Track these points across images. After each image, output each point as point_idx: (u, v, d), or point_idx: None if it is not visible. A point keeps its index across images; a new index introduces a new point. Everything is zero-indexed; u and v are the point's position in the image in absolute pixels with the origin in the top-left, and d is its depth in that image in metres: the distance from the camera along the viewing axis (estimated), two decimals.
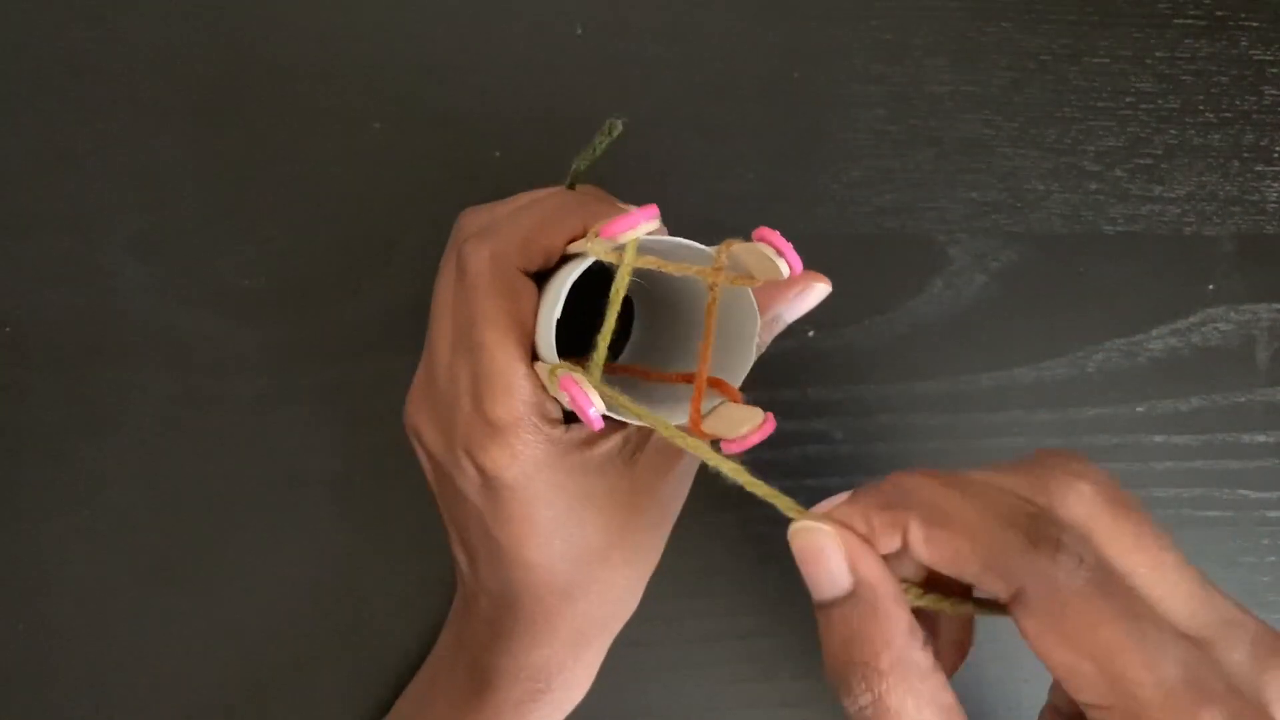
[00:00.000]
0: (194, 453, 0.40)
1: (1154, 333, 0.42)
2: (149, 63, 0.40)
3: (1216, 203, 0.43)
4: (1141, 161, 0.43)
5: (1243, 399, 0.42)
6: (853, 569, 0.25)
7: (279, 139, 0.40)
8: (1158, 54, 0.43)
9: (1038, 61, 0.43)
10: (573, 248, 0.30)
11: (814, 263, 0.40)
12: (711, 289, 0.28)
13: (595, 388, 0.27)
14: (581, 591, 0.33)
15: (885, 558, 0.26)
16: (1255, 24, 0.43)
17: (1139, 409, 0.42)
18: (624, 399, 0.27)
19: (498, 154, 0.41)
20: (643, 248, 0.28)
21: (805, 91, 0.42)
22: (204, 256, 0.40)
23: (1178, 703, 0.23)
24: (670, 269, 0.28)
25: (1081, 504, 0.25)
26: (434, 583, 0.40)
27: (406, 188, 0.40)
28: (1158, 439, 0.42)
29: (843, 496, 0.27)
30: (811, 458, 0.41)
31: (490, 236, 0.31)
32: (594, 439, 0.32)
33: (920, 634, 0.25)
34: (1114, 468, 0.41)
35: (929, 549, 0.25)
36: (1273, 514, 0.42)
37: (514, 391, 0.30)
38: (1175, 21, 0.43)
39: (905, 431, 0.41)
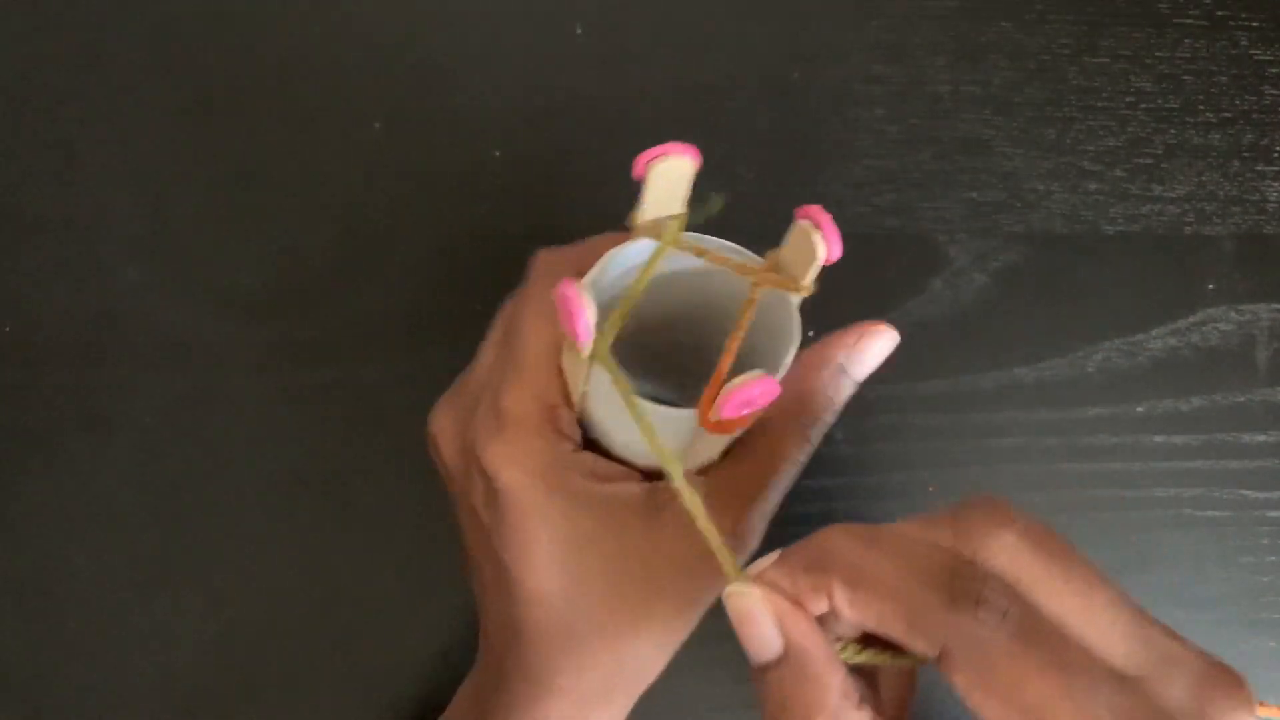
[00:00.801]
0: (194, 453, 0.40)
1: (1154, 333, 0.42)
2: (149, 63, 0.40)
3: (1216, 202, 0.43)
4: (1141, 161, 0.43)
5: (1243, 399, 0.42)
6: (783, 633, 0.25)
7: (279, 139, 0.40)
8: (1158, 54, 0.43)
9: (1038, 61, 0.43)
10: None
11: None
12: (754, 287, 0.27)
13: (603, 358, 0.26)
14: (581, 645, 0.29)
15: (822, 616, 0.25)
16: (1255, 24, 0.43)
17: (1139, 409, 0.42)
18: (619, 373, 0.26)
19: (498, 154, 0.41)
20: (687, 242, 0.27)
21: (805, 91, 0.42)
22: (204, 256, 0.40)
23: None
24: (710, 257, 0.27)
25: (1005, 553, 0.25)
26: (434, 583, 0.40)
27: (406, 188, 0.40)
28: (1158, 439, 0.42)
29: (773, 556, 0.26)
30: (811, 458, 0.41)
31: (554, 250, 0.32)
32: (608, 474, 0.30)
33: (854, 695, 0.25)
34: (1114, 468, 0.41)
35: (853, 611, 0.25)
36: (1273, 514, 0.42)
37: (530, 384, 0.29)
38: (1175, 21, 0.43)
39: (905, 431, 0.41)
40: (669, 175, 0.27)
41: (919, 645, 0.24)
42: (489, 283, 0.40)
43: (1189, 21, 0.43)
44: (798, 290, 0.27)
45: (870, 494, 0.41)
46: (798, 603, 0.25)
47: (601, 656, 0.29)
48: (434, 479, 0.39)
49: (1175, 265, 0.43)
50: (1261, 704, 0.25)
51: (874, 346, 0.30)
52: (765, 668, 0.25)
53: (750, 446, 0.30)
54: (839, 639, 0.26)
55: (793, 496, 0.40)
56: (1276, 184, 0.43)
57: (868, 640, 0.26)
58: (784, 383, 0.28)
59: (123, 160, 0.40)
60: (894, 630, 0.24)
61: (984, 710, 0.23)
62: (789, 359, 0.27)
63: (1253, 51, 0.43)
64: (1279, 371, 0.43)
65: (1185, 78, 0.43)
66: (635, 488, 0.30)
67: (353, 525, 0.40)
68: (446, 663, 0.40)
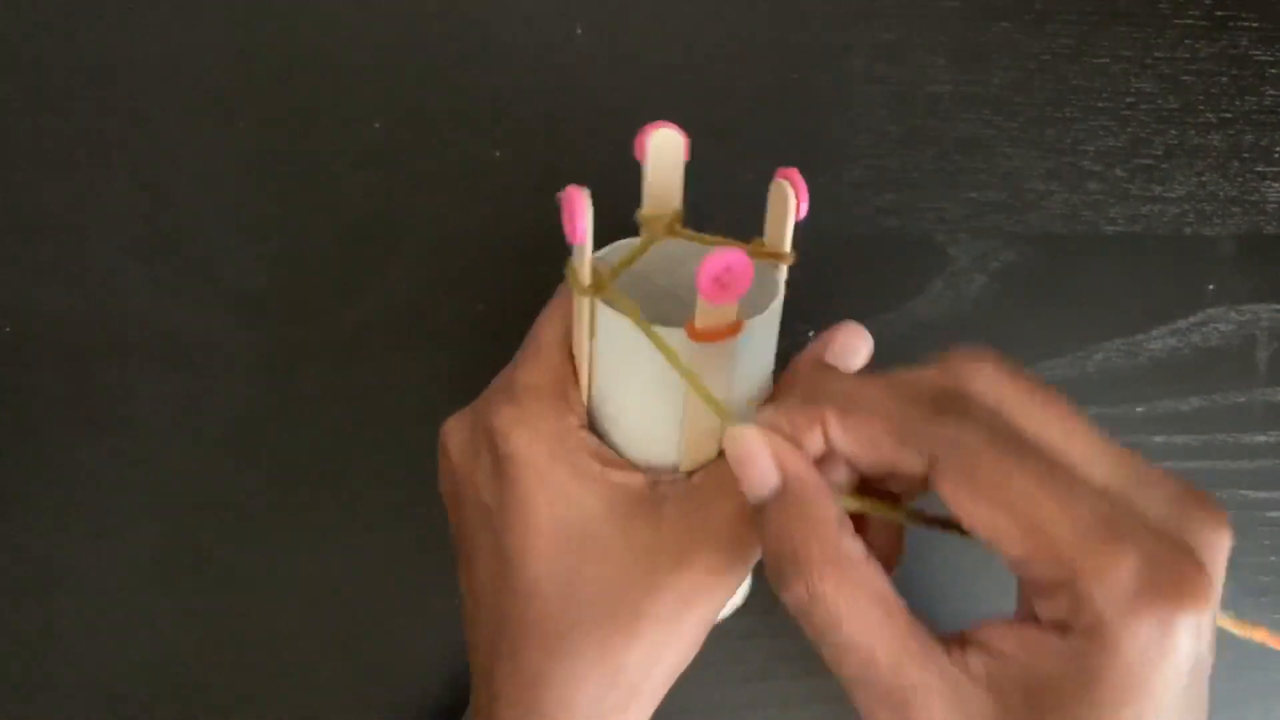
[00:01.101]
0: (194, 453, 0.40)
1: (1154, 333, 0.42)
2: (150, 63, 0.40)
3: (1216, 203, 0.43)
4: (1141, 161, 0.43)
5: (1242, 399, 0.42)
6: (779, 467, 0.26)
7: (279, 139, 0.40)
8: (1158, 54, 0.43)
9: (1038, 61, 0.43)
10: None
11: (814, 263, 0.40)
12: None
13: (612, 295, 0.28)
14: (574, 649, 0.29)
15: (818, 462, 0.26)
16: (1255, 24, 0.43)
17: (1139, 409, 0.42)
18: (624, 298, 0.28)
19: (498, 154, 0.41)
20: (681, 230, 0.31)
21: (805, 92, 0.42)
22: (204, 256, 0.40)
23: (1095, 543, 0.23)
24: (703, 240, 0.30)
25: (987, 381, 0.26)
26: (434, 583, 0.40)
27: (406, 188, 0.40)
28: (1158, 439, 0.42)
29: (772, 405, 0.28)
30: None
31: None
32: (613, 460, 0.30)
33: (850, 526, 0.26)
34: None
35: (846, 436, 0.26)
36: (1273, 514, 0.42)
37: (543, 361, 0.31)
38: (1175, 22, 0.43)
39: None
40: (664, 151, 0.29)
41: (910, 460, 0.25)
42: (489, 283, 0.41)
43: (1189, 22, 0.43)
44: (781, 259, 0.30)
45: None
46: (794, 442, 0.26)
47: (594, 665, 0.29)
48: (434, 478, 0.40)
49: (1175, 265, 0.43)
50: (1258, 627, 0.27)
51: (850, 341, 0.31)
52: (764, 504, 0.26)
53: None
54: (834, 486, 0.27)
55: None
56: (1276, 185, 0.43)
57: (862, 490, 0.28)
58: (777, 386, 0.30)
59: (123, 160, 0.40)
60: (884, 449, 0.25)
61: (973, 513, 0.24)
62: (774, 305, 0.29)
63: (1253, 52, 0.43)
64: (1279, 372, 0.43)
65: (1185, 78, 0.43)
66: (638, 477, 0.30)
67: (353, 525, 0.40)
68: (446, 663, 0.40)
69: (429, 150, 0.41)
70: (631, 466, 0.30)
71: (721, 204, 0.40)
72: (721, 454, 0.30)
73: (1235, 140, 0.43)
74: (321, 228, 0.40)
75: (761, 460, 0.26)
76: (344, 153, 0.40)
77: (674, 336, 0.28)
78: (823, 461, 0.27)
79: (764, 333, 0.30)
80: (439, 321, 0.40)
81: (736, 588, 0.30)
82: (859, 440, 0.26)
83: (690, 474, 0.30)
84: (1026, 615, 0.25)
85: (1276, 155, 0.43)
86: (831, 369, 0.28)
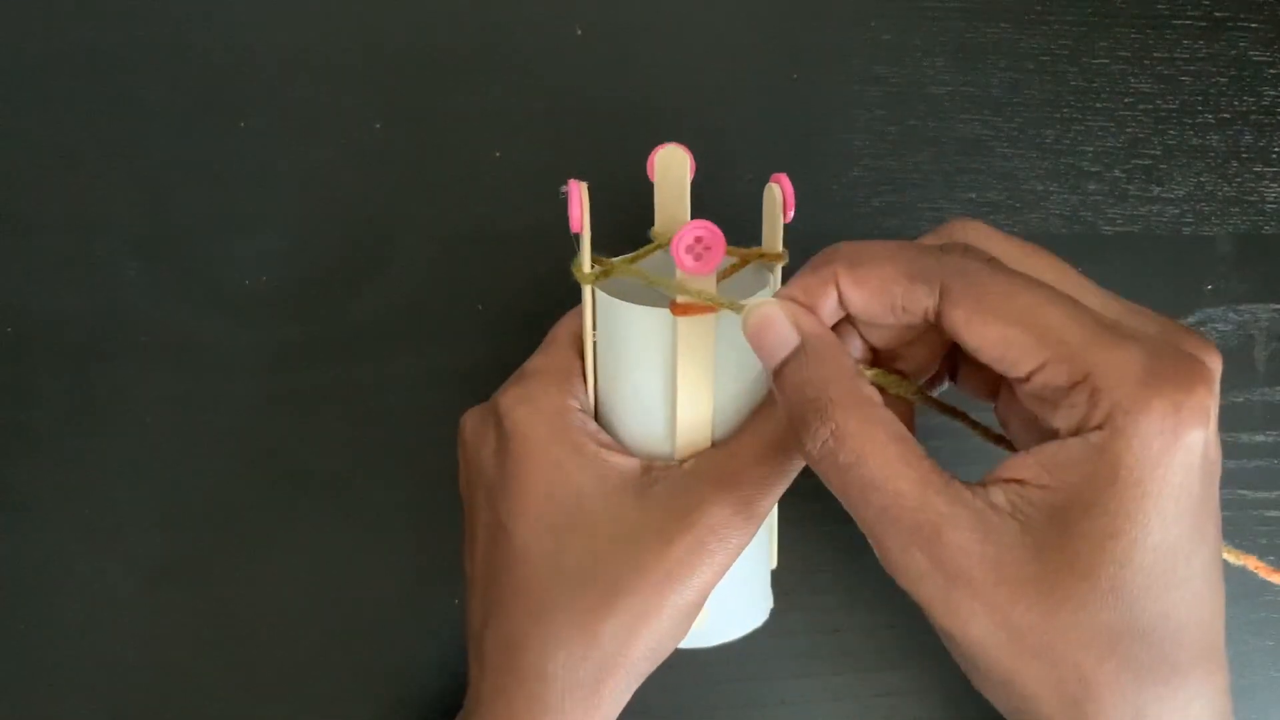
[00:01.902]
0: (194, 453, 0.40)
1: None
2: (149, 63, 0.40)
3: (1215, 203, 0.43)
4: (1140, 162, 0.43)
5: (1241, 399, 0.42)
6: (796, 328, 0.27)
7: (279, 139, 0.40)
8: (1156, 55, 0.43)
9: (1037, 62, 0.43)
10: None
11: None
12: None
13: (624, 271, 0.32)
14: (553, 614, 0.30)
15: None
16: (1254, 25, 0.43)
17: None
18: (630, 264, 0.31)
19: (498, 154, 0.41)
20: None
21: (804, 92, 0.42)
22: (204, 256, 0.40)
23: (1104, 341, 0.24)
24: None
25: (981, 238, 0.29)
26: (434, 583, 0.40)
27: (406, 188, 0.41)
28: None
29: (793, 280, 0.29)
30: None
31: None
32: (608, 443, 0.31)
33: (866, 375, 0.28)
34: None
35: (858, 288, 0.27)
36: (1272, 514, 0.42)
37: (554, 352, 0.33)
38: (1174, 22, 0.43)
39: None
40: (670, 167, 0.31)
41: (919, 297, 0.26)
42: (489, 283, 0.41)
43: (1188, 22, 0.43)
44: (771, 258, 0.32)
45: None
46: (809, 309, 0.28)
47: (571, 633, 0.29)
48: (434, 478, 0.40)
49: (1174, 266, 0.43)
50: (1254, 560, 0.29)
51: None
52: (783, 364, 0.27)
53: (738, 434, 0.31)
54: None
55: (799, 496, 0.40)
56: (1275, 185, 0.43)
57: (875, 364, 0.30)
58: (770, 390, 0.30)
59: (123, 160, 0.40)
60: (896, 290, 0.27)
61: (985, 333, 0.26)
62: (769, 289, 0.31)
63: (1251, 53, 0.43)
64: (1278, 371, 0.43)
65: (1184, 79, 0.43)
66: (632, 461, 0.31)
67: (353, 525, 0.40)
68: (446, 663, 0.40)
69: (429, 150, 0.41)
70: (626, 450, 0.32)
71: (721, 204, 0.40)
72: (714, 444, 0.32)
73: (1234, 141, 0.43)
74: (321, 228, 0.40)
75: (779, 324, 0.27)
76: (344, 153, 0.40)
77: (659, 316, 0.30)
78: (837, 332, 0.29)
79: None
80: (439, 321, 0.40)
81: (716, 575, 0.30)
82: (871, 288, 0.27)
83: (683, 462, 0.31)
84: (1043, 438, 0.26)
85: (1275, 156, 0.43)
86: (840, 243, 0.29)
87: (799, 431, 0.27)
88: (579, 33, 0.41)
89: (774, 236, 0.32)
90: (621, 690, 0.30)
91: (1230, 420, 0.42)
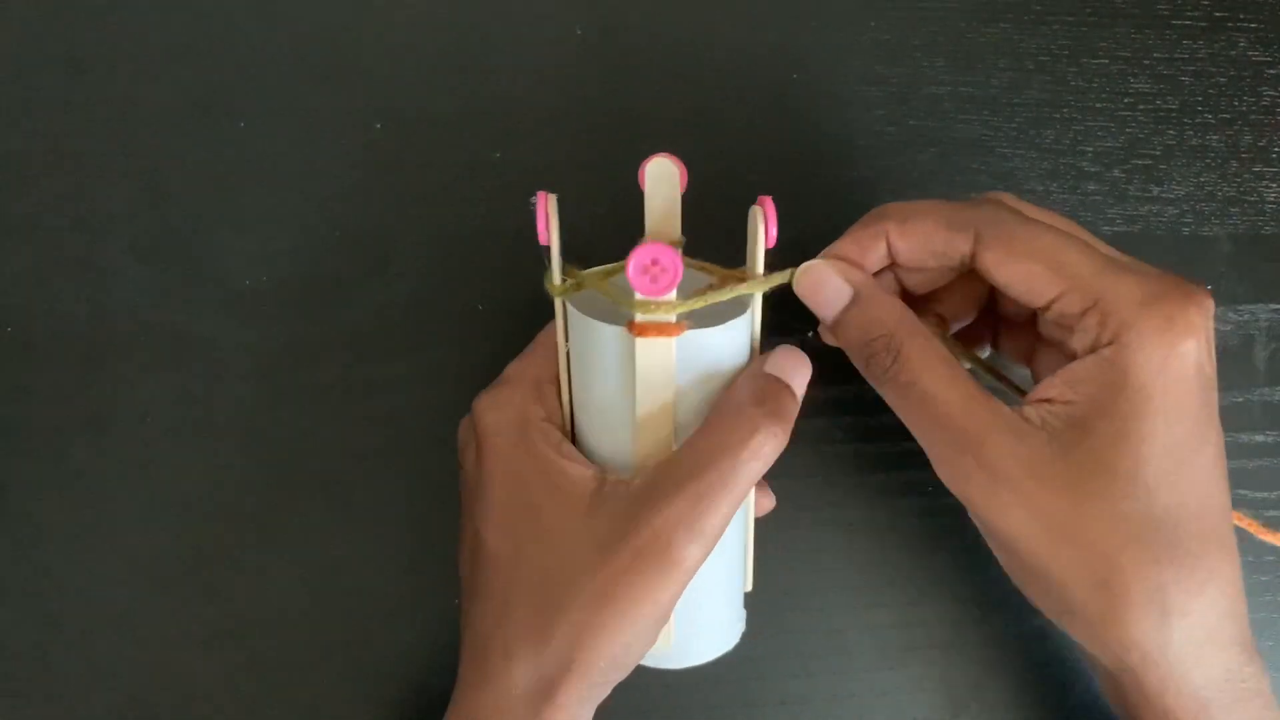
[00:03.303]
0: (194, 453, 0.40)
1: None
2: (149, 63, 0.40)
3: (1214, 203, 0.43)
4: (1140, 162, 0.43)
5: (1241, 399, 0.42)
6: (848, 282, 0.32)
7: (279, 139, 0.40)
8: (1156, 55, 0.43)
9: (1036, 62, 0.43)
10: None
11: None
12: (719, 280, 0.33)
13: (593, 284, 0.31)
14: (512, 617, 0.31)
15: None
16: (1254, 25, 0.43)
17: None
18: (594, 282, 0.31)
19: (498, 154, 0.41)
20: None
21: (804, 92, 0.42)
22: (204, 256, 0.40)
23: (1111, 271, 0.29)
24: (698, 267, 0.33)
25: (1011, 202, 0.33)
26: (433, 583, 0.40)
27: (406, 188, 0.41)
28: None
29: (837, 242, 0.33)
30: (811, 457, 0.41)
31: None
32: (569, 454, 0.32)
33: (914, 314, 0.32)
34: None
35: (904, 240, 0.32)
36: (1272, 514, 0.42)
37: (531, 360, 0.34)
38: (1174, 22, 0.43)
39: (905, 431, 0.41)
40: (660, 180, 0.31)
41: (957, 242, 0.31)
42: (489, 283, 0.41)
43: (1187, 22, 0.43)
44: (749, 283, 0.32)
45: (873, 492, 0.41)
46: (856, 265, 0.32)
47: (528, 634, 0.30)
48: (434, 478, 0.40)
49: (1173, 266, 0.43)
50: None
51: (784, 350, 0.32)
52: (840, 315, 0.32)
53: (700, 436, 0.31)
54: None
55: (795, 496, 0.40)
56: (1274, 185, 0.43)
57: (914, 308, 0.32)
58: (732, 387, 0.31)
59: (123, 160, 0.40)
60: (937, 238, 0.31)
61: (1012, 270, 0.30)
62: (743, 321, 0.32)
63: (1251, 53, 0.43)
64: (1278, 371, 0.43)
65: (1184, 79, 0.43)
66: (589, 472, 0.31)
67: (353, 525, 0.40)
68: (445, 663, 0.40)
69: (429, 150, 0.41)
70: (586, 462, 0.32)
71: (721, 205, 0.40)
72: (670, 455, 0.31)
73: (1233, 141, 0.43)
74: (321, 227, 0.40)
75: (833, 281, 0.32)
76: (344, 153, 0.40)
77: (620, 333, 0.30)
78: (880, 281, 0.33)
79: (722, 349, 0.31)
80: (439, 321, 0.40)
81: (670, 588, 0.30)
82: (917, 238, 0.32)
83: (634, 478, 0.31)
84: (1068, 359, 0.30)
85: (1274, 156, 0.43)
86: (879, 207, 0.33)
87: (865, 367, 0.32)
88: (579, 33, 0.41)
89: (755, 260, 0.31)
90: (584, 695, 0.30)
91: (1230, 420, 0.42)
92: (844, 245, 0.33)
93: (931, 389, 0.30)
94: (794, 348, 0.32)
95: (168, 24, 0.40)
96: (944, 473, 0.31)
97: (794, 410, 0.31)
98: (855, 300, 0.32)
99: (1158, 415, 0.28)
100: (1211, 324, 0.29)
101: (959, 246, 0.31)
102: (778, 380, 0.31)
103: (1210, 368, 0.29)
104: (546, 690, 0.30)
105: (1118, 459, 0.28)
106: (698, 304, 0.30)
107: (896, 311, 0.31)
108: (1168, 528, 0.28)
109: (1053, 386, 0.30)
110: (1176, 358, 0.28)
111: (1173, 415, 0.28)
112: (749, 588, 0.37)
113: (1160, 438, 0.28)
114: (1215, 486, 0.29)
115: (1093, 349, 0.29)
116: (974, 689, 0.41)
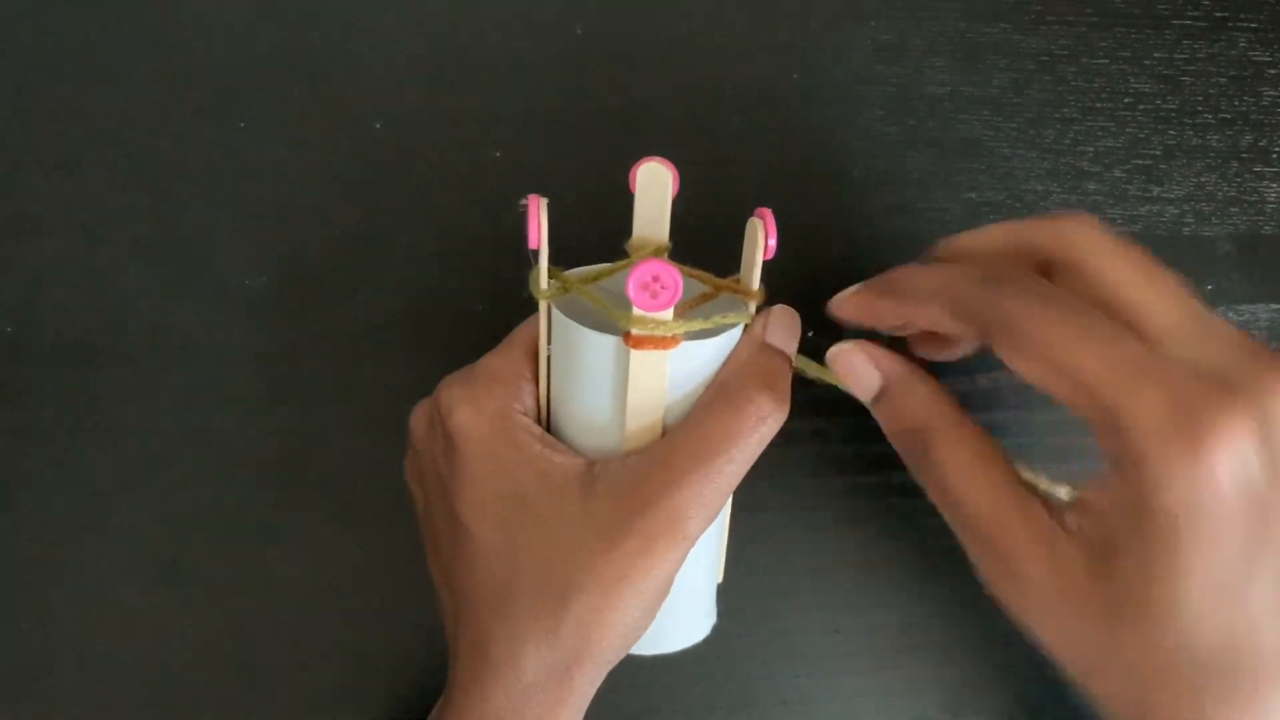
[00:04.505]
0: (194, 453, 0.40)
1: None
2: (149, 62, 0.40)
3: (1215, 203, 0.43)
4: (1140, 162, 0.43)
5: None
6: (877, 367, 0.31)
7: (279, 139, 0.40)
8: (1156, 55, 0.43)
9: (1037, 62, 0.43)
10: None
11: (814, 263, 0.40)
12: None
13: (580, 290, 0.31)
14: (515, 608, 0.30)
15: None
16: (1254, 25, 0.43)
17: None
18: (585, 289, 0.31)
19: (498, 154, 0.41)
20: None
21: (804, 92, 0.42)
22: (204, 256, 0.40)
23: (1128, 383, 0.25)
24: (688, 272, 0.32)
25: (1079, 238, 0.30)
26: (432, 583, 0.40)
27: (406, 188, 0.41)
28: None
29: (854, 288, 0.32)
30: (811, 457, 0.41)
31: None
32: (553, 443, 0.32)
33: (947, 398, 0.30)
34: None
35: (909, 319, 0.31)
36: None
37: (506, 354, 0.33)
38: (1174, 22, 0.43)
39: None
40: (652, 183, 0.31)
41: (966, 331, 0.29)
42: (489, 283, 0.41)
43: (1188, 22, 0.43)
44: (746, 295, 0.31)
45: (872, 493, 0.41)
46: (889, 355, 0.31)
47: (533, 627, 0.30)
48: None
49: (1174, 266, 0.42)
50: None
51: (780, 318, 0.32)
52: (876, 399, 0.31)
53: (686, 425, 0.31)
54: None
55: (795, 495, 0.40)
56: (1275, 185, 0.43)
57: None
58: (734, 360, 0.31)
59: (123, 160, 0.40)
60: (943, 324, 0.29)
61: (1025, 370, 0.27)
62: (736, 332, 0.31)
63: (1251, 53, 0.43)
64: None
65: (1184, 79, 0.43)
66: (576, 459, 0.31)
67: (352, 525, 0.40)
68: (445, 663, 0.40)
69: (429, 150, 0.41)
70: (570, 450, 0.32)
71: (721, 205, 0.40)
72: (674, 433, 0.31)
73: (1233, 141, 0.43)
74: (321, 227, 0.40)
75: (862, 370, 0.31)
76: (344, 153, 0.40)
77: (612, 343, 0.29)
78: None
79: (713, 359, 0.31)
80: (439, 321, 0.40)
81: (673, 566, 0.30)
82: (921, 323, 0.30)
83: (626, 457, 0.31)
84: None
85: (1275, 156, 0.43)
86: (903, 268, 0.32)
87: (904, 453, 0.31)
88: (579, 32, 0.41)
89: (751, 272, 0.31)
90: (593, 676, 0.31)
91: None
92: (859, 307, 0.32)
93: (961, 491, 0.29)
94: (789, 309, 0.32)
95: (168, 24, 0.40)
96: (978, 570, 0.29)
97: (790, 377, 0.31)
98: (885, 390, 0.31)
99: (1191, 548, 0.25)
100: (1268, 418, 0.25)
101: (967, 334, 0.29)
102: (781, 354, 0.31)
103: (1266, 479, 0.25)
104: (559, 676, 0.30)
105: (1151, 592, 0.25)
106: (698, 325, 0.30)
107: (926, 402, 0.30)
108: (1214, 665, 0.25)
109: (1091, 493, 0.27)
110: (1208, 482, 0.24)
111: (1210, 546, 0.25)
112: (720, 579, 0.37)
113: (1196, 574, 0.25)
114: (1273, 614, 0.25)
115: (1117, 464, 0.26)
116: (974, 689, 0.41)
